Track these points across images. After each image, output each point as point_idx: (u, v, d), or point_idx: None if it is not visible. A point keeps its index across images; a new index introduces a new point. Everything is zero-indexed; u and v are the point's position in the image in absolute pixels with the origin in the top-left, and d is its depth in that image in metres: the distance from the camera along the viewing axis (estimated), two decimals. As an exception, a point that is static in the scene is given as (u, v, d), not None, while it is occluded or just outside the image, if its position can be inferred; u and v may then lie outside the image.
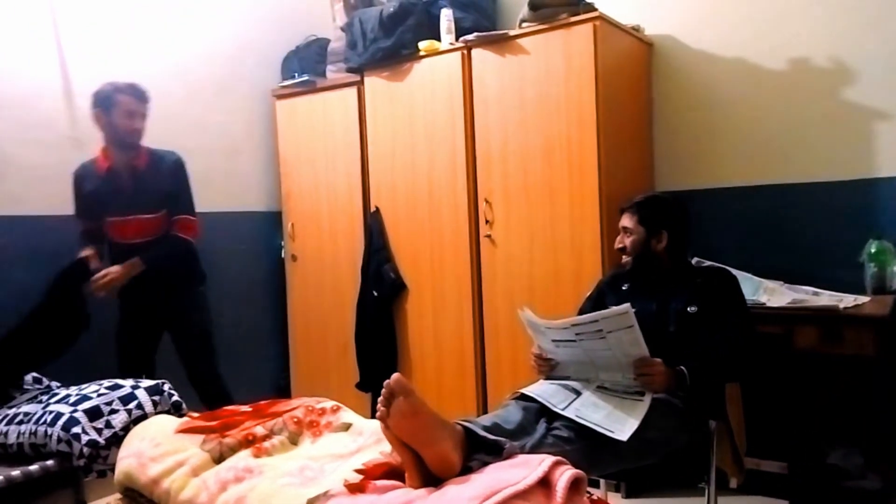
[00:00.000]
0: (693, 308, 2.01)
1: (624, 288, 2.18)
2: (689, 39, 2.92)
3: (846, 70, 2.62)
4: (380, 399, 1.38)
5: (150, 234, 2.68)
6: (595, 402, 1.77)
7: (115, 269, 2.56)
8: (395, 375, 1.39)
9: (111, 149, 2.64)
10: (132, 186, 2.65)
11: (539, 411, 1.76)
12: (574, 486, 1.29)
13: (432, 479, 1.38)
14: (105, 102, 2.58)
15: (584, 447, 1.65)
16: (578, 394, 1.82)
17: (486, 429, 1.54)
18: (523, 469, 1.31)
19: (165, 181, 2.68)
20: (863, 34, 2.58)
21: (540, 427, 1.69)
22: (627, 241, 2.14)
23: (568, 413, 1.72)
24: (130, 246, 2.65)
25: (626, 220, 2.15)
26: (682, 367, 1.86)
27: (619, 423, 1.69)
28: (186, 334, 2.81)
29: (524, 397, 1.83)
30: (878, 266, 2.46)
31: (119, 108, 2.56)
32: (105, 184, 2.64)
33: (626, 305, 1.76)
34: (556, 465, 1.32)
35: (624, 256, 2.17)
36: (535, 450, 1.58)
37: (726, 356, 1.95)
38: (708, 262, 2.64)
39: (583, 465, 1.40)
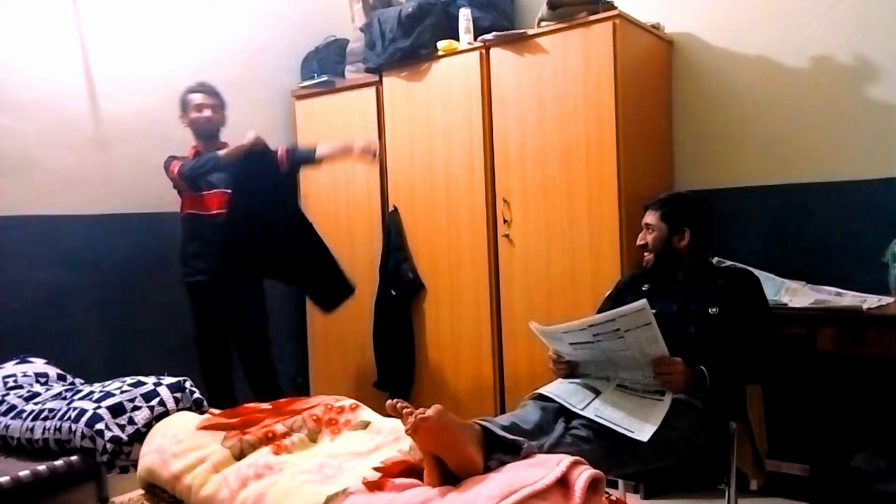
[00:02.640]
0: (714, 310, 1.99)
1: (644, 288, 2.16)
2: (709, 37, 2.89)
3: (870, 68, 2.58)
4: (408, 420, 1.38)
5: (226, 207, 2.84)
6: (614, 401, 1.76)
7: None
8: (420, 417, 1.36)
9: (199, 143, 2.90)
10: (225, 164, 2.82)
11: (558, 411, 1.76)
12: (592, 486, 1.29)
13: (451, 477, 1.39)
14: (183, 102, 2.87)
15: (603, 447, 1.65)
16: (597, 393, 1.81)
17: (504, 428, 1.54)
18: (541, 469, 1.31)
19: (255, 164, 2.82)
20: (887, 31, 2.54)
21: (558, 427, 1.69)
22: (649, 237, 2.13)
23: (587, 413, 1.71)
24: (211, 217, 2.82)
25: (649, 217, 2.14)
26: (702, 367, 1.85)
27: (639, 423, 1.68)
28: (247, 328, 2.95)
29: (542, 397, 1.83)
30: (903, 266, 2.42)
31: (191, 104, 2.85)
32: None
33: (643, 301, 1.75)
34: (574, 464, 1.32)
35: (645, 254, 2.16)
36: (553, 449, 1.57)
37: (747, 359, 1.94)
38: (729, 263, 2.62)
39: (601, 465, 1.40)
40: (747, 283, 2.06)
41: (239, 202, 2.78)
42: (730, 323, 1.97)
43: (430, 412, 1.37)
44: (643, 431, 1.65)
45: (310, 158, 2.93)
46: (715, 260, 2.52)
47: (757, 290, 2.05)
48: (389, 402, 1.47)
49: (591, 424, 1.68)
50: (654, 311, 1.76)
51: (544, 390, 1.85)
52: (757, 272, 2.25)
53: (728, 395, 1.96)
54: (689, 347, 1.88)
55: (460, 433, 1.42)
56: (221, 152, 2.79)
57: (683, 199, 2.19)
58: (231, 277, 2.84)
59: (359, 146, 2.87)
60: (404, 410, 1.42)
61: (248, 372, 2.95)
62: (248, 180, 2.78)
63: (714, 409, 1.91)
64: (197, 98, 2.85)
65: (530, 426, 1.65)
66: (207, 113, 2.84)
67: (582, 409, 1.72)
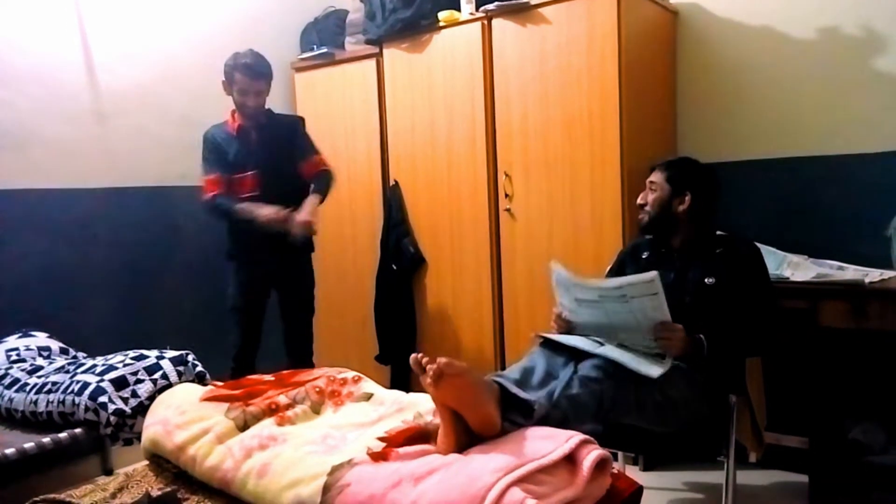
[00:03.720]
0: (711, 280, 1.99)
1: (644, 256, 2.17)
2: (715, 7, 2.85)
3: (877, 39, 2.54)
4: (428, 372, 1.39)
5: None
6: (621, 351, 1.79)
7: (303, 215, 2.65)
8: (443, 361, 1.38)
9: (238, 112, 2.82)
10: (259, 143, 2.79)
11: (565, 363, 1.78)
12: (599, 466, 1.30)
13: (467, 437, 1.40)
14: (228, 76, 2.76)
15: (611, 387, 1.67)
16: (602, 345, 1.83)
17: (516, 382, 1.59)
18: (550, 442, 1.32)
19: (287, 138, 2.86)
20: (895, 2, 2.50)
21: (567, 370, 1.71)
22: (650, 197, 2.13)
23: (598, 352, 1.74)
24: (250, 199, 2.73)
25: (655, 176, 2.15)
26: (702, 336, 1.86)
27: (646, 366, 1.72)
28: (297, 296, 2.96)
29: (549, 345, 1.84)
30: (906, 240, 2.41)
31: (236, 85, 2.74)
32: (236, 142, 2.79)
33: (653, 273, 1.75)
34: (583, 443, 1.33)
35: (640, 214, 2.16)
36: (562, 394, 1.61)
37: (746, 330, 1.94)
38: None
39: (606, 405, 1.52)
40: (747, 253, 2.05)
41: (268, 180, 2.75)
42: (726, 294, 1.97)
43: (454, 361, 1.39)
44: (652, 371, 1.69)
45: (321, 196, 2.80)
46: (717, 233, 2.51)
47: (757, 261, 2.04)
48: (414, 355, 1.46)
49: (599, 364, 1.71)
50: None
51: (552, 336, 1.87)
52: (759, 245, 2.25)
53: (727, 367, 1.97)
54: (684, 317, 1.86)
55: (482, 391, 1.45)
56: (263, 214, 2.62)
57: (691, 164, 2.19)
58: (285, 249, 2.79)
59: (304, 215, 2.64)
60: (429, 367, 1.41)
61: (291, 338, 2.97)
62: (272, 156, 2.78)
63: (714, 381, 1.92)
64: (240, 81, 2.71)
65: (539, 376, 1.69)
66: (249, 101, 2.73)
67: (593, 351, 1.75)
